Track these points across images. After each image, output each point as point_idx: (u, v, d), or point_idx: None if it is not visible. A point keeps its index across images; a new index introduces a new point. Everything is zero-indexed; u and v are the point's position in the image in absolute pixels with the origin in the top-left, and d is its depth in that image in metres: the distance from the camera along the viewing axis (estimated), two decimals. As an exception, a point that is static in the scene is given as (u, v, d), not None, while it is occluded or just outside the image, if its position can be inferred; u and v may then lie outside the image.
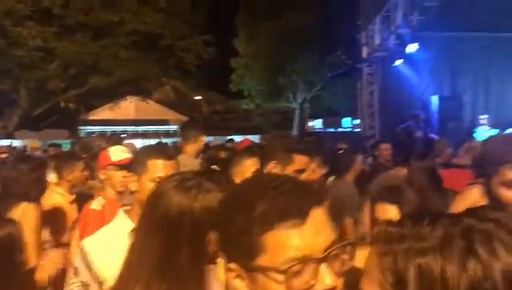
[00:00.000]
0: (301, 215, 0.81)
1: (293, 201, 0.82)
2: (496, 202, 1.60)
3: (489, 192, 1.60)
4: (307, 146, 2.45)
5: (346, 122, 16.36)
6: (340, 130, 16.66)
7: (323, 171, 4.16)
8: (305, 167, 2.36)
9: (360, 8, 11.73)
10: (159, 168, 1.81)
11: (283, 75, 21.97)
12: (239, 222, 0.83)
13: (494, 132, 9.93)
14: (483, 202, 3.12)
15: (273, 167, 2.36)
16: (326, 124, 16.78)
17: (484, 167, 4.08)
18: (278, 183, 0.86)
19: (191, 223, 1.23)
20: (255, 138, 20.25)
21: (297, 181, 0.88)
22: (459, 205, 3.22)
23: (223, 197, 0.96)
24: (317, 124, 17.79)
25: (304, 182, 0.95)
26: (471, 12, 10.27)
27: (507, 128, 10.05)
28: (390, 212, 2.04)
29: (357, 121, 13.82)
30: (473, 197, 3.19)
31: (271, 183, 0.86)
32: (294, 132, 23.74)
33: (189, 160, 4.23)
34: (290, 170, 2.34)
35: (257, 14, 20.88)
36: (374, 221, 2.12)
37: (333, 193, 4.48)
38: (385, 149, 6.69)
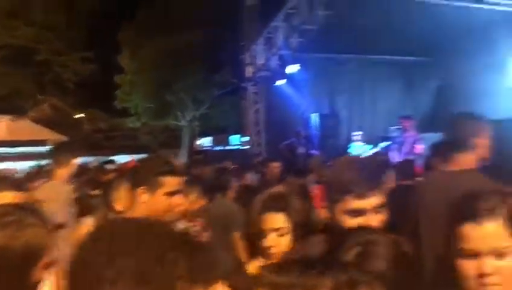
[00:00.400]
0: None
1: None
2: (336, 228, 1.59)
3: (332, 217, 1.58)
4: (179, 167, 2.35)
5: (235, 140, 16.59)
6: (228, 147, 16.86)
7: (203, 201, 4.14)
8: (177, 189, 2.25)
9: (243, 28, 12.01)
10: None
11: (170, 92, 21.71)
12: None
13: (368, 147, 10.71)
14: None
15: (142, 193, 2.23)
16: (215, 142, 16.86)
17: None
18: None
19: (10, 263, 1.07)
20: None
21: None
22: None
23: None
24: (206, 142, 17.79)
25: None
26: (346, 36, 11.05)
27: (378, 143, 10.91)
28: (278, 221, 2.03)
29: (246, 138, 14.08)
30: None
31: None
32: (184, 150, 23.55)
33: (60, 186, 3.92)
34: (160, 194, 2.21)
35: (142, 30, 20.48)
36: (263, 233, 2.07)
37: (215, 212, 4.49)
38: (275, 167, 6.84)
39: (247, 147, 12.67)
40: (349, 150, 11.20)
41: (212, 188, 4.93)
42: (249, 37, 11.97)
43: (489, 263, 1.39)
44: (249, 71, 11.92)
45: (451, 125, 2.86)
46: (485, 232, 1.41)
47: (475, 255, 1.41)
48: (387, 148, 10.49)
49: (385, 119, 13.07)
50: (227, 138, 17.14)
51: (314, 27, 9.91)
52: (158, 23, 19.30)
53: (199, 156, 10.87)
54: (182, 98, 22.34)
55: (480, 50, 12.34)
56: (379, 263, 1.19)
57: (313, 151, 11.15)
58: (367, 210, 1.52)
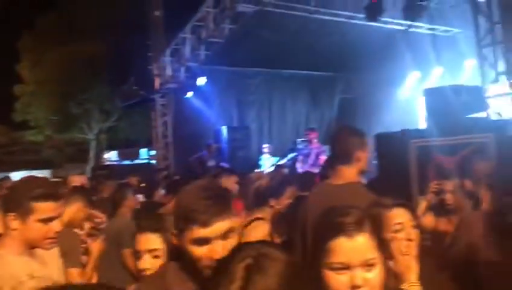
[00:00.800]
0: None
1: None
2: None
3: (181, 246, 1.51)
4: (55, 190, 2.15)
5: (144, 154, 16.14)
6: (137, 161, 16.37)
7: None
8: (52, 215, 2.06)
9: (151, 39, 11.77)
10: None
11: (75, 104, 20.70)
12: None
13: (275, 159, 10.90)
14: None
15: (12, 220, 2.02)
16: (122, 156, 16.29)
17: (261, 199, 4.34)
18: None
19: None
20: (45, 173, 18.55)
21: None
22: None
23: None
24: (113, 155, 17.13)
25: None
26: (253, 50, 11.23)
27: (286, 155, 11.14)
28: (152, 242, 1.96)
29: (154, 152, 13.74)
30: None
31: None
32: (91, 164, 22.48)
33: None
34: (32, 221, 2.02)
35: (44, 39, 19.38)
36: (138, 253, 1.99)
37: (111, 228, 4.30)
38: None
39: (154, 161, 12.37)
40: (259, 162, 11.33)
41: (111, 204, 4.76)
42: (157, 48, 11.75)
43: (360, 275, 1.42)
44: (156, 83, 11.67)
45: (336, 139, 2.95)
46: (355, 245, 1.45)
47: (345, 268, 1.42)
48: (293, 159, 10.74)
49: (293, 131, 13.43)
50: (137, 151, 16.62)
51: (221, 40, 9.95)
52: (61, 32, 18.40)
53: (103, 172, 10.35)
54: (87, 110, 21.39)
55: (380, 66, 13.12)
56: (269, 279, 1.13)
57: (223, 164, 11.12)
58: (211, 238, 1.45)
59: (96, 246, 3.22)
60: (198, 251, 1.45)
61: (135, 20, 12.38)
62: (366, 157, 2.78)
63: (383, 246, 1.54)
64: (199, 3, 10.30)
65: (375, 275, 1.44)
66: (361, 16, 9.21)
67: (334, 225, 1.51)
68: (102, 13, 16.68)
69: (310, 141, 10.17)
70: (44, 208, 2.02)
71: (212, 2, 9.59)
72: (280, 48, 11.22)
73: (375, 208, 2.08)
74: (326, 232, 1.51)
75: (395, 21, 9.15)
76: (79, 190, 4.07)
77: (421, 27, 9.31)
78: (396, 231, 2.00)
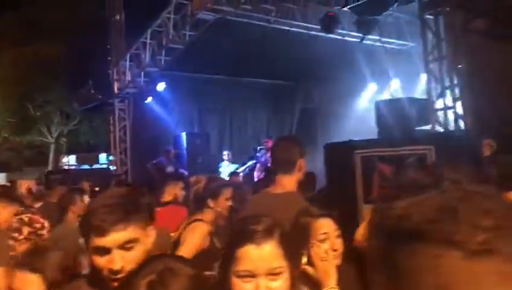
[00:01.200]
0: None
1: None
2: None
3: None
4: None
5: (103, 159, 15.87)
6: (96, 166, 16.07)
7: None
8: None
9: (110, 43, 11.64)
10: None
11: (34, 106, 20.17)
12: None
13: (234, 166, 10.94)
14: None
15: None
16: (80, 160, 15.97)
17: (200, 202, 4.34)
18: None
19: None
20: (1, 176, 17.97)
21: None
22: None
23: None
24: (71, 160, 16.77)
25: None
26: (214, 57, 11.26)
27: (245, 162, 11.20)
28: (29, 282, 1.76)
29: (112, 157, 13.53)
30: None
31: None
32: (50, 168, 21.87)
33: None
34: None
35: (1, 38, 18.81)
36: None
37: (55, 235, 4.23)
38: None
39: (113, 166, 12.19)
40: (219, 169, 11.33)
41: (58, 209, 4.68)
42: (117, 52, 11.62)
43: (263, 284, 1.44)
44: (115, 87, 11.53)
45: (277, 148, 3.00)
46: (262, 253, 1.46)
47: (251, 276, 1.45)
48: (251, 167, 10.81)
49: (253, 139, 13.53)
50: (97, 156, 16.32)
51: (181, 46, 9.94)
52: (19, 32, 17.92)
53: (57, 176, 10.09)
54: (47, 112, 20.87)
55: (340, 77, 13.39)
56: None
57: (182, 171, 11.07)
58: (110, 248, 1.40)
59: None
60: (99, 261, 1.42)
61: (96, 23, 12.21)
62: (304, 167, 2.85)
63: (293, 255, 1.57)
64: (160, 9, 10.26)
65: (280, 284, 1.46)
66: (319, 27, 9.38)
67: (243, 233, 1.53)
68: (63, 14, 16.38)
69: (268, 150, 10.26)
70: None
71: (173, 9, 9.57)
72: (241, 56, 11.29)
73: (301, 218, 2.14)
74: (236, 239, 1.54)
75: (352, 33, 9.35)
76: (7, 194, 4.00)
77: (378, 40, 9.56)
78: (322, 241, 2.06)
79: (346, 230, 4.08)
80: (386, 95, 12.38)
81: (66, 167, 15.72)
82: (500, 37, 6.97)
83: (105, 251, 1.42)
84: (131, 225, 1.44)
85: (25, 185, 6.47)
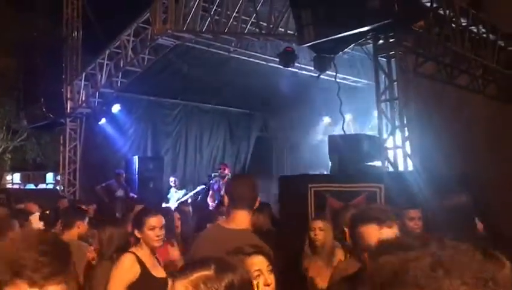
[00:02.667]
0: None
1: None
2: None
3: None
4: None
5: (50, 178, 15.30)
6: (42, 186, 15.48)
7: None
8: None
9: (64, 61, 11.38)
10: None
11: (-22, 120, 19.31)
12: None
13: (181, 192, 10.84)
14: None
15: None
16: (25, 179, 15.32)
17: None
18: None
19: None
20: None
21: None
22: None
23: None
24: (16, 178, 16.06)
25: None
26: (171, 81, 11.27)
27: (194, 188, 11.15)
28: None
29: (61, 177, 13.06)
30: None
31: None
32: (-9, 185, 20.85)
33: None
34: None
35: None
36: None
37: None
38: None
39: (60, 187, 11.77)
40: (168, 195, 11.18)
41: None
42: (71, 71, 11.37)
43: None
44: (68, 106, 11.24)
45: (232, 183, 3.04)
46: None
47: None
48: (201, 193, 10.76)
49: (208, 165, 13.49)
50: (44, 175, 15.71)
51: (139, 70, 9.88)
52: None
53: (0, 195, 9.64)
54: (-7, 127, 20.00)
55: (295, 108, 13.71)
56: None
57: (132, 195, 10.86)
58: None
59: None
60: None
61: (51, 41, 11.94)
62: (258, 200, 2.91)
63: None
64: (118, 30, 10.18)
65: None
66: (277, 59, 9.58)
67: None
68: (16, 29, 15.89)
69: (222, 177, 10.26)
70: None
71: (132, 31, 9.52)
72: (199, 82, 11.35)
73: (235, 255, 2.16)
74: None
75: (308, 67, 9.61)
76: None
77: (332, 75, 9.86)
78: (256, 277, 2.09)
79: (297, 259, 4.15)
80: (338, 129, 12.69)
81: (10, 186, 15.01)
82: (447, 81, 7.38)
83: None
84: (68, 279, 1.26)
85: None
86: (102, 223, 4.26)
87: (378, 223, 2.13)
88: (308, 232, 4.11)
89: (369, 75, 10.95)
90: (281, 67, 9.84)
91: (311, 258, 4.10)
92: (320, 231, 4.06)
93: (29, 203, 7.70)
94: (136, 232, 3.30)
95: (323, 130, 13.88)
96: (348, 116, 12.72)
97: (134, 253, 3.25)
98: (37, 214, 7.36)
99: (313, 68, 9.68)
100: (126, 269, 3.16)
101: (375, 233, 2.09)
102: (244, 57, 10.23)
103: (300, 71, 10.48)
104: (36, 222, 7.00)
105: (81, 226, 4.58)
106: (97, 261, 4.02)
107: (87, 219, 4.80)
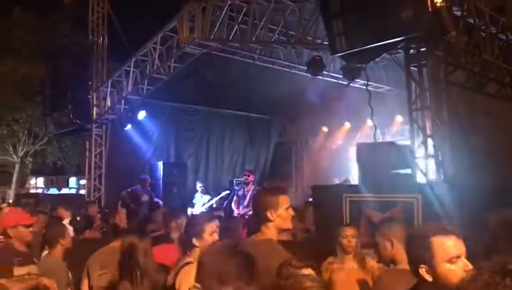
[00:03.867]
0: None
1: None
2: None
3: None
4: None
5: (73, 182, 15.55)
6: (65, 190, 15.72)
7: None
8: None
9: (91, 68, 11.58)
10: None
11: (1, 124, 19.65)
12: None
13: (206, 197, 10.95)
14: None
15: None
16: (49, 183, 15.57)
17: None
18: None
19: None
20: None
21: None
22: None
23: None
24: (39, 182, 16.33)
25: None
26: (195, 88, 11.41)
27: (218, 194, 11.25)
28: None
29: (84, 182, 13.26)
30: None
31: None
32: (13, 188, 21.16)
33: None
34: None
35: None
36: None
37: (43, 269, 4.15)
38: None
39: (84, 191, 11.95)
40: (193, 200, 11.29)
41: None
42: (98, 77, 11.56)
43: None
44: (94, 112, 11.42)
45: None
46: None
47: None
48: (226, 199, 10.85)
49: (229, 170, 13.60)
50: (66, 179, 15.95)
51: (165, 77, 10.01)
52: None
53: (29, 200, 9.83)
54: (14, 131, 20.33)
55: (315, 114, 13.74)
56: None
57: (157, 200, 10.98)
58: None
59: None
60: None
61: (78, 47, 12.15)
62: (279, 216, 2.89)
63: None
64: (142, 37, 10.35)
65: None
66: (302, 66, 9.64)
67: None
68: (43, 35, 16.19)
69: (246, 183, 10.33)
70: None
71: (159, 39, 9.66)
72: (221, 89, 11.50)
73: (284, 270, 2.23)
74: None
75: (335, 75, 9.66)
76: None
77: (356, 82, 9.90)
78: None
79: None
80: (359, 135, 12.73)
81: (34, 190, 15.26)
82: (476, 89, 7.39)
83: None
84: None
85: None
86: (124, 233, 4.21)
87: (457, 236, 2.13)
88: (338, 240, 4.12)
89: (391, 81, 11.00)
90: (301, 73, 9.94)
91: (340, 266, 4.11)
92: (353, 238, 4.11)
93: (61, 208, 7.84)
94: (194, 241, 3.31)
95: (343, 135, 13.91)
96: (369, 123, 12.79)
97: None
98: (68, 220, 7.55)
99: (336, 74, 9.80)
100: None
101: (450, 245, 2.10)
102: (267, 64, 10.31)
103: (322, 77, 10.53)
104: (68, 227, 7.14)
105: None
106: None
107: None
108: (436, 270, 2.06)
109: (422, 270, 2.10)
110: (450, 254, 2.06)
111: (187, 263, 3.46)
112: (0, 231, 4.15)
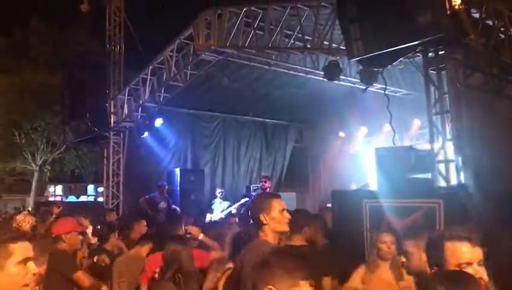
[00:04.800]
0: None
1: None
2: None
3: None
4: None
5: (91, 190, 15.70)
6: (83, 197, 15.88)
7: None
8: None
9: (109, 76, 11.71)
10: None
11: (20, 133, 19.98)
12: None
13: (226, 203, 10.96)
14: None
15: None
16: (67, 191, 15.74)
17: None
18: None
19: None
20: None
21: None
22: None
23: None
24: (58, 190, 16.52)
25: None
26: (211, 95, 11.44)
27: (238, 200, 11.23)
28: None
29: (102, 189, 13.39)
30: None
31: None
32: (32, 196, 21.47)
33: None
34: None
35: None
36: None
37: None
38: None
39: (102, 198, 12.05)
40: (212, 206, 11.32)
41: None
42: (115, 85, 11.69)
43: None
44: (112, 120, 11.53)
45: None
46: None
47: None
48: (244, 205, 10.83)
49: (245, 176, 13.59)
50: (84, 187, 16.11)
51: (182, 84, 10.07)
52: (12, 59, 17.90)
53: (49, 208, 9.93)
54: (33, 140, 20.65)
55: (332, 118, 13.68)
56: None
57: (174, 207, 11.03)
58: None
59: None
60: None
61: (95, 56, 12.32)
62: (273, 219, 2.95)
63: None
64: (158, 44, 10.45)
65: None
66: (318, 72, 9.61)
67: None
68: (60, 44, 16.46)
69: (264, 189, 10.32)
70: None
71: (175, 47, 9.73)
72: (237, 95, 11.52)
73: None
74: None
75: (352, 79, 9.61)
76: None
77: (373, 86, 9.83)
78: None
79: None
80: (376, 140, 12.61)
81: (52, 198, 15.43)
82: (495, 92, 7.28)
83: None
84: None
85: (26, 220, 6.30)
86: (165, 241, 4.34)
87: (471, 242, 2.16)
88: (377, 245, 4.06)
89: (408, 85, 10.90)
90: (317, 78, 9.90)
91: (375, 273, 4.05)
92: (392, 244, 4.02)
93: (80, 217, 7.91)
94: (262, 217, 3.40)
95: (360, 140, 13.80)
96: (386, 127, 12.68)
97: None
98: (91, 228, 7.61)
99: (354, 79, 9.74)
100: None
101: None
102: (283, 70, 10.30)
103: (340, 82, 10.49)
104: (90, 236, 7.21)
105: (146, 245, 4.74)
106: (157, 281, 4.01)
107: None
108: None
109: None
110: (461, 259, 2.11)
111: (229, 268, 3.52)
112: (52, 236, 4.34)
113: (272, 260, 1.93)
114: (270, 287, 1.82)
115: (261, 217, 2.94)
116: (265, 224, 2.94)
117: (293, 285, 1.82)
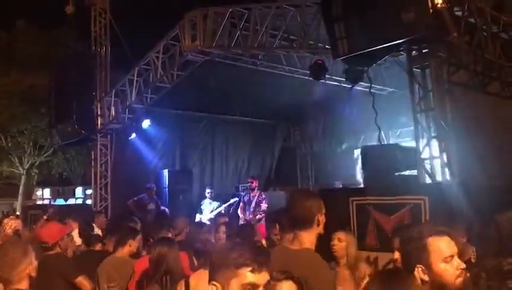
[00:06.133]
0: None
1: None
2: None
3: None
4: None
5: (79, 193, 15.60)
6: (71, 200, 15.78)
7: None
8: None
9: (95, 78, 11.63)
10: None
11: (7, 136, 19.78)
12: None
13: (215, 204, 10.96)
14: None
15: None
16: (55, 194, 15.62)
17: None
18: None
19: None
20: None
21: None
22: None
23: None
24: (46, 193, 16.39)
25: None
26: (198, 95, 11.43)
27: (226, 200, 11.23)
28: None
29: (90, 191, 13.30)
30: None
31: None
32: (20, 200, 21.26)
33: None
34: None
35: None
36: None
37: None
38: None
39: (90, 201, 11.98)
40: (201, 207, 11.30)
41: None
42: (101, 87, 11.62)
43: None
44: (99, 122, 11.46)
45: (294, 203, 2.87)
46: None
47: None
48: (234, 205, 10.84)
49: (234, 176, 13.60)
50: (72, 189, 16.00)
51: (168, 86, 10.04)
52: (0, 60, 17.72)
53: (37, 211, 9.85)
54: (19, 143, 20.43)
55: (319, 118, 13.77)
56: None
57: (163, 208, 11.00)
58: None
59: None
60: None
61: (82, 58, 12.22)
62: (324, 221, 2.77)
63: None
64: (145, 46, 10.40)
65: None
66: (304, 71, 9.65)
67: None
68: (46, 46, 16.31)
69: (252, 189, 10.34)
70: None
71: (161, 48, 9.71)
72: (224, 95, 11.50)
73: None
74: None
75: (338, 78, 9.66)
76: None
77: (360, 85, 9.90)
78: None
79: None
80: (364, 138, 12.71)
81: (40, 202, 15.31)
82: (480, 88, 7.38)
83: None
84: None
85: (9, 224, 6.23)
86: (153, 243, 4.34)
87: (450, 236, 2.21)
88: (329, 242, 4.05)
89: (393, 83, 10.98)
90: (304, 77, 9.94)
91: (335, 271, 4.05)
92: (339, 241, 4.06)
93: (69, 220, 7.86)
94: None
95: (347, 139, 13.87)
96: (372, 125, 12.76)
97: None
98: (76, 230, 7.55)
99: (339, 78, 9.79)
100: None
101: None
102: (269, 70, 10.32)
103: (326, 81, 10.53)
104: (77, 239, 7.15)
105: (132, 245, 4.70)
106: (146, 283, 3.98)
107: (139, 237, 4.91)
108: (432, 270, 2.14)
109: (419, 270, 2.17)
110: (445, 253, 2.15)
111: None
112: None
113: (212, 256, 1.90)
114: (214, 282, 1.77)
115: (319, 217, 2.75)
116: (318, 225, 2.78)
117: (232, 276, 1.74)
